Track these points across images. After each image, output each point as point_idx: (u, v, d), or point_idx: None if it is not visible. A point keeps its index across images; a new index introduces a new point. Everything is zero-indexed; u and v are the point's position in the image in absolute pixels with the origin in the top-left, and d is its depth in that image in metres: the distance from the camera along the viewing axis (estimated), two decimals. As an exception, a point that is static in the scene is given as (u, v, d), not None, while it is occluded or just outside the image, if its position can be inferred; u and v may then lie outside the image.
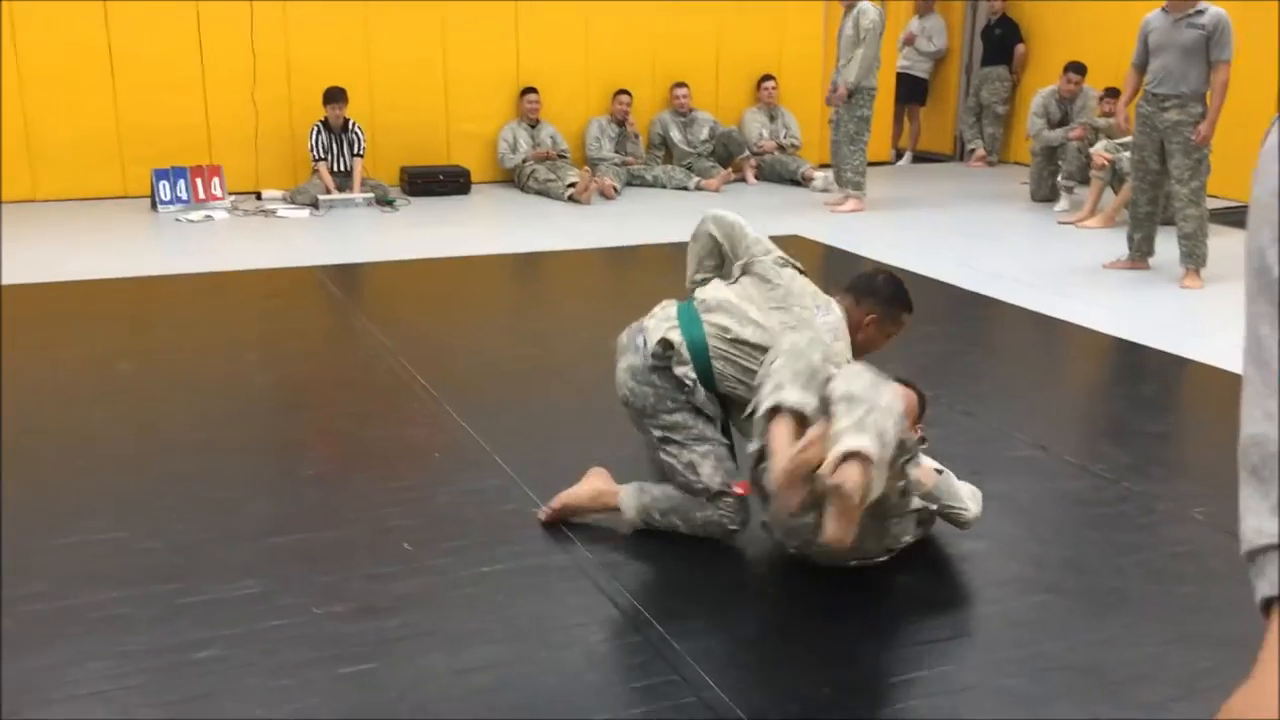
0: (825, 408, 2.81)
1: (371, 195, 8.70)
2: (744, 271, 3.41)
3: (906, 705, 2.56)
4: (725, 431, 3.32)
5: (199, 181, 8.51)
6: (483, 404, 4.41)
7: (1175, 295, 6.28)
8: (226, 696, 2.51)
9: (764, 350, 3.14)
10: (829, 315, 3.27)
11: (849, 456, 2.61)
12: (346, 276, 6.67)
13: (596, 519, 3.37)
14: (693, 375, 3.24)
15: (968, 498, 3.22)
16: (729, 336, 3.24)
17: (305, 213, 8.41)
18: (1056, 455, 3.95)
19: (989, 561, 3.21)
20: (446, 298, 6.31)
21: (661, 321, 3.34)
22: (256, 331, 5.55)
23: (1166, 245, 6.69)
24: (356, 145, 8.76)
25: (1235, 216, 8.35)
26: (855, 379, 2.81)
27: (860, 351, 3.31)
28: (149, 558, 3.12)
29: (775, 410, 2.87)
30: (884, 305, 3.36)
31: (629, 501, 3.29)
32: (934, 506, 3.16)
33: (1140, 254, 6.71)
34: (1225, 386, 4.84)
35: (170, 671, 2.59)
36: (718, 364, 3.24)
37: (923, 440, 3.20)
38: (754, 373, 3.14)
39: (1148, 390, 5.02)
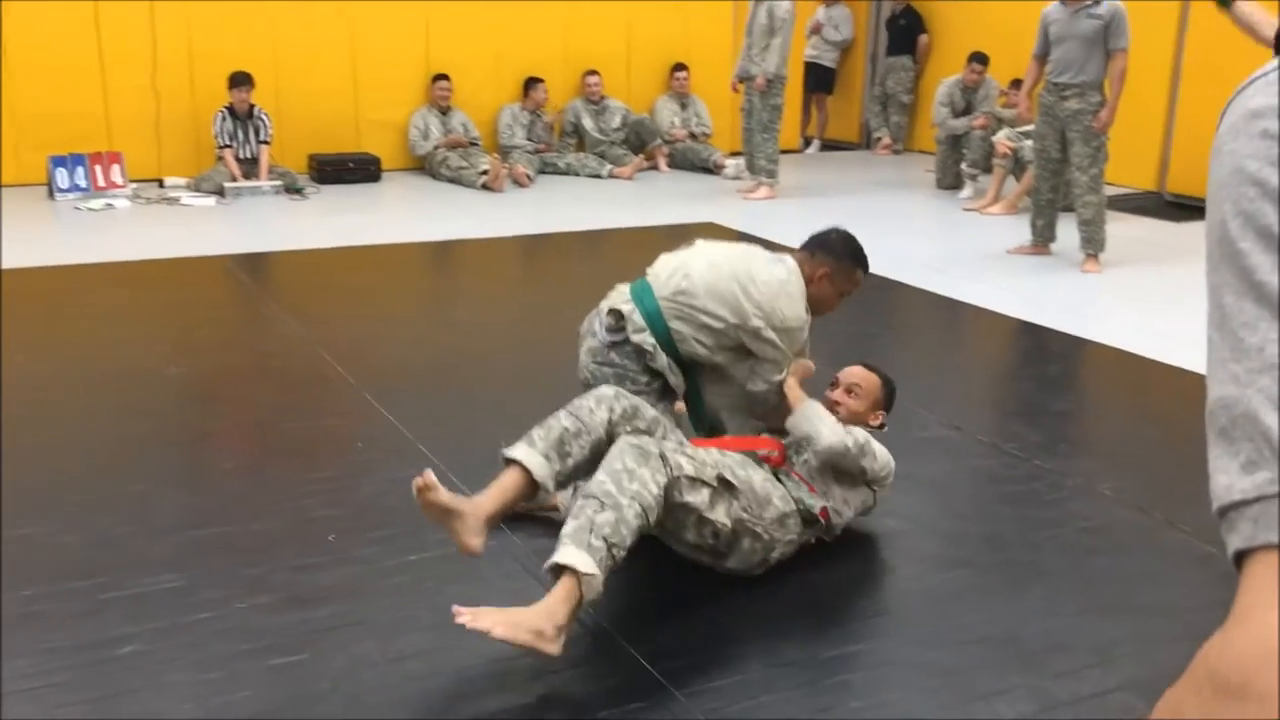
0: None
1: (280, 183, 8.55)
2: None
3: (832, 680, 2.61)
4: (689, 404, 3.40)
5: (98, 169, 8.28)
6: (404, 392, 4.39)
7: (1076, 279, 6.47)
8: (153, 691, 2.47)
9: (717, 292, 3.22)
10: (778, 267, 3.29)
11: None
12: (257, 265, 6.56)
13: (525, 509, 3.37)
14: (651, 340, 3.25)
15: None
16: (682, 291, 3.26)
17: (211, 201, 8.23)
18: (969, 435, 4.06)
19: (908, 540, 3.29)
20: (361, 286, 6.23)
21: (614, 297, 3.37)
22: (165, 322, 5.43)
23: (1067, 231, 6.88)
24: (263, 132, 8.60)
25: (1132, 203, 8.64)
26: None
27: (814, 308, 3.34)
28: (66, 553, 3.05)
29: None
30: (836, 259, 3.35)
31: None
32: (818, 507, 3.04)
33: (1043, 239, 6.90)
34: (1125, 367, 5.02)
35: (94, 667, 2.54)
36: (675, 324, 3.26)
37: (881, 426, 3.26)
38: (710, 328, 3.21)
39: (1053, 371, 5.18)
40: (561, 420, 2.92)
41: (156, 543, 3.13)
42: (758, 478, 2.98)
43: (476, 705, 2.48)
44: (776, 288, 3.23)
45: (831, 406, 3.20)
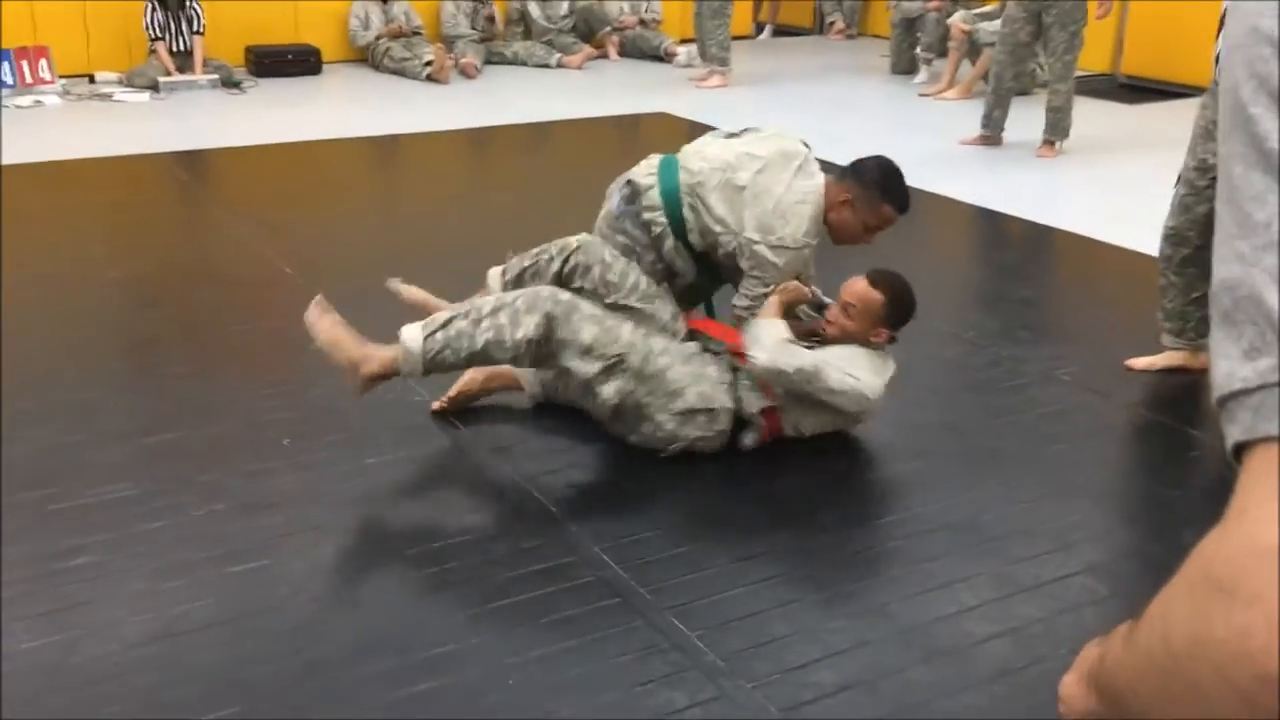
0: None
1: (216, 77, 8.26)
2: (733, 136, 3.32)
3: (797, 573, 2.62)
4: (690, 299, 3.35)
5: (24, 64, 7.94)
6: (357, 293, 4.26)
7: (1033, 165, 6.43)
8: (109, 602, 2.43)
9: (726, 192, 3.12)
10: (803, 181, 3.12)
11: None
12: (196, 163, 6.35)
13: (483, 404, 3.33)
14: (662, 220, 3.18)
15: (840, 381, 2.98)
16: (699, 182, 3.15)
17: (145, 96, 7.95)
18: (927, 323, 4.02)
19: (868, 429, 3.28)
20: (307, 183, 6.07)
21: (641, 166, 3.27)
22: (103, 224, 5.25)
23: (1013, 118, 6.75)
24: (195, 22, 8.27)
25: (1087, 85, 8.57)
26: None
27: (835, 235, 3.19)
28: (12, 464, 2.96)
29: None
30: (862, 187, 3.13)
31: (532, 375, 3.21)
32: (758, 408, 3.04)
33: (996, 129, 6.77)
34: (1082, 252, 5.02)
35: (46, 580, 2.48)
36: (687, 212, 3.18)
37: (893, 339, 3.10)
38: (710, 229, 3.15)
39: (1010, 257, 5.17)
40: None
41: (106, 451, 3.05)
42: (683, 370, 2.97)
43: (442, 606, 2.45)
44: (786, 203, 3.08)
45: (824, 326, 3.09)
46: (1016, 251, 5.21)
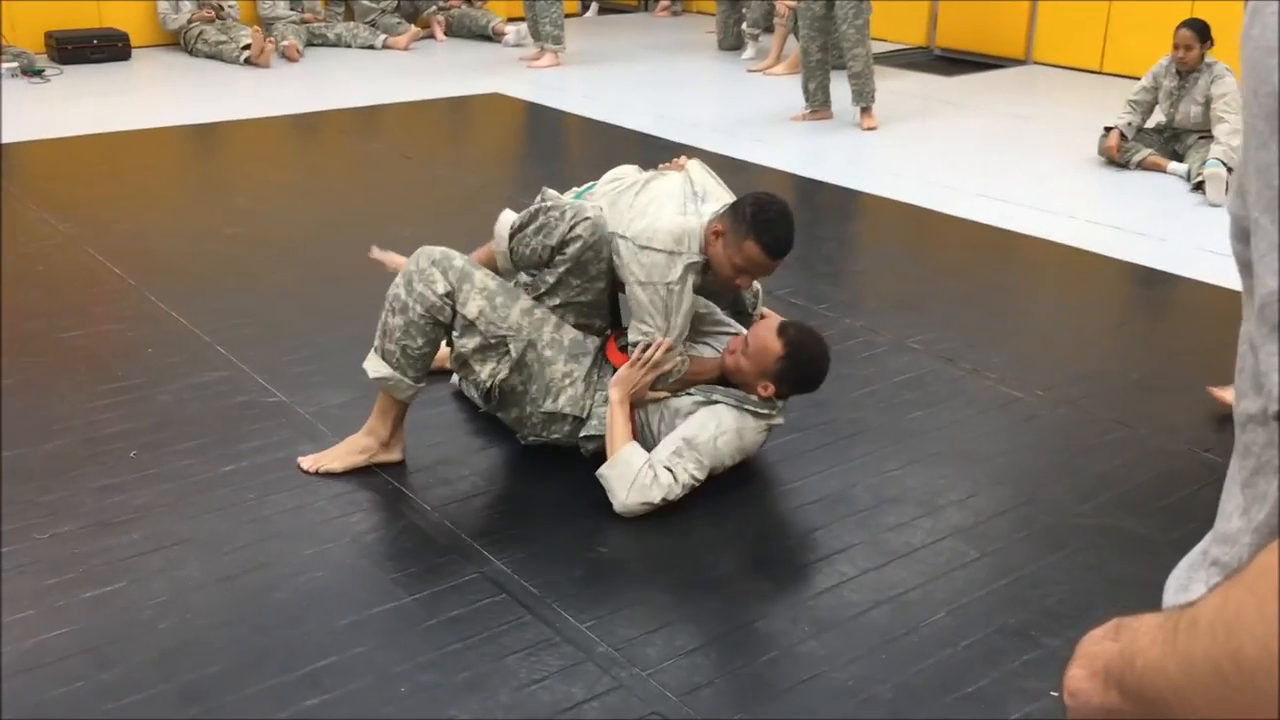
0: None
1: (15, 65, 7.74)
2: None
3: (680, 556, 2.62)
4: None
5: None
6: (192, 291, 4.09)
7: (857, 138, 6.58)
8: (-45, 639, 2.25)
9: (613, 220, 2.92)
10: (679, 218, 2.85)
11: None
12: (2, 159, 5.94)
13: (351, 400, 3.23)
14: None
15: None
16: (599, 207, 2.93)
17: (-64, 87, 7.39)
18: (781, 298, 4.09)
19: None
20: (124, 177, 5.75)
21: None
22: (-98, 227, 4.87)
23: (841, 92, 6.90)
24: (-11, 8, 7.74)
25: (904, 58, 8.86)
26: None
27: (715, 273, 2.86)
28: None
29: None
30: (733, 221, 2.78)
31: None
32: (583, 416, 2.91)
33: (819, 102, 6.89)
34: (914, 221, 5.18)
35: (-119, 621, 2.29)
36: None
37: (779, 396, 2.88)
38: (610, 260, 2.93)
39: (848, 229, 5.30)
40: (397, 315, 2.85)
41: (-68, 475, 2.83)
42: (563, 369, 2.86)
43: (322, 616, 2.37)
44: (651, 234, 2.81)
45: (725, 354, 2.89)
46: (852, 222, 5.35)
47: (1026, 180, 5.71)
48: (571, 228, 2.82)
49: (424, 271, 2.78)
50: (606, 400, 2.86)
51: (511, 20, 9.52)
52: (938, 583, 2.53)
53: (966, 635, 2.34)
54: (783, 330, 2.84)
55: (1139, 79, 5.97)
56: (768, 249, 2.79)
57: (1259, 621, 0.53)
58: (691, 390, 2.88)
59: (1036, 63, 8.75)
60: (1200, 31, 5.64)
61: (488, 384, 2.86)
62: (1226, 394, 3.27)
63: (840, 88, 6.83)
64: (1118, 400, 3.43)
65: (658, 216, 2.85)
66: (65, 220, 4.83)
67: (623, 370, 2.85)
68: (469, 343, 2.82)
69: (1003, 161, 6.08)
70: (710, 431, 2.78)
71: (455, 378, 3.25)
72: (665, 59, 8.94)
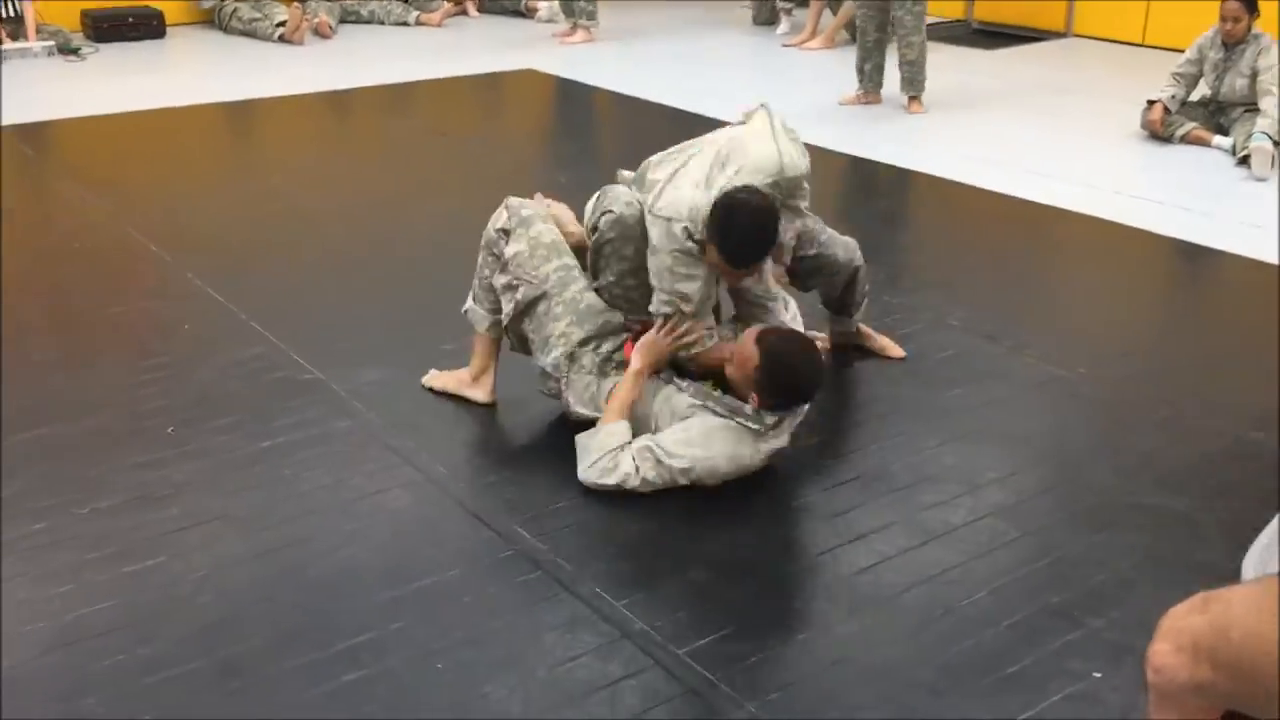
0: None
1: (52, 44, 7.79)
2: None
3: (718, 534, 2.60)
4: None
5: None
6: (229, 268, 4.10)
7: (895, 112, 6.48)
8: (-4, 613, 2.27)
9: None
10: (699, 192, 2.75)
11: None
12: (40, 136, 5.98)
13: (379, 380, 3.23)
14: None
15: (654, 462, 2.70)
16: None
17: (-25, 67, 7.44)
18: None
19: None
20: (161, 155, 5.77)
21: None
22: (-57, 205, 4.91)
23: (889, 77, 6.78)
24: (24, -14, 7.78)
25: (941, 31, 8.74)
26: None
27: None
28: None
29: None
30: (709, 217, 2.69)
31: None
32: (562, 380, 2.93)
33: (872, 84, 6.71)
34: (954, 196, 5.11)
35: (-75, 595, 2.32)
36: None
37: (768, 407, 2.70)
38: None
39: (888, 205, 5.24)
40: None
41: (-25, 451, 2.86)
42: (560, 329, 2.86)
43: (360, 591, 2.37)
44: (664, 205, 2.76)
45: (726, 364, 2.77)
46: (892, 200, 5.28)
47: (1068, 155, 5.63)
48: (600, 218, 2.90)
49: (499, 212, 3.00)
50: (591, 374, 2.85)
51: (545, -4, 9.47)
52: (978, 562, 2.50)
53: (1007, 615, 2.31)
54: (759, 338, 2.67)
55: (1182, 51, 5.87)
56: (733, 258, 2.70)
57: None
58: (694, 396, 2.78)
59: (1077, 35, 8.61)
60: (1249, 3, 5.53)
61: (504, 323, 2.99)
62: None
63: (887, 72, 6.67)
64: (1160, 378, 3.37)
65: (678, 187, 2.79)
66: (102, 197, 4.86)
67: (647, 336, 2.81)
68: (500, 279, 2.95)
69: (1043, 136, 5.99)
70: (684, 440, 2.67)
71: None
72: (699, 35, 8.87)
